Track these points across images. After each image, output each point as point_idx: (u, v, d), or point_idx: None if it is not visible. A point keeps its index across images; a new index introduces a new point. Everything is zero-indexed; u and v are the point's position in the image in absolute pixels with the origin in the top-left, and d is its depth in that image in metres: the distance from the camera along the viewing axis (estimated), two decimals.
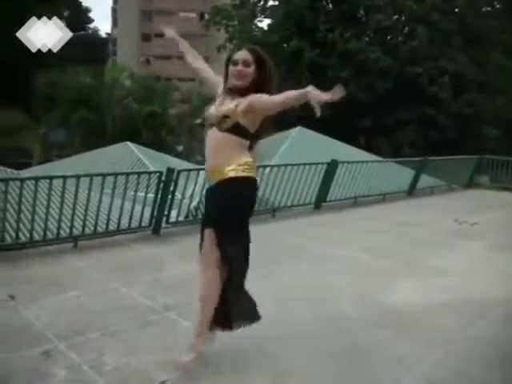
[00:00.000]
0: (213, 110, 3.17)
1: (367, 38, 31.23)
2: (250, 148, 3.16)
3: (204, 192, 3.37)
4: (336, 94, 2.60)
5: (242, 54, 3.13)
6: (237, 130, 3.05)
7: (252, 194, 3.23)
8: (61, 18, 45.22)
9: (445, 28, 28.83)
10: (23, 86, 33.64)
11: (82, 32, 52.89)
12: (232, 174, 3.04)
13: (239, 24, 35.06)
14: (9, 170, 8.56)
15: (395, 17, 31.54)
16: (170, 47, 52.74)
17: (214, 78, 3.43)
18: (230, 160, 3.05)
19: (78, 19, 49.96)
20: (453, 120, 28.86)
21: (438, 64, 28.49)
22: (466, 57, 29.02)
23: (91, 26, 55.94)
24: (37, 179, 5.81)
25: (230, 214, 3.08)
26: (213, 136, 3.13)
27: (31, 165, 24.86)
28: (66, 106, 31.21)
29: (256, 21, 37.05)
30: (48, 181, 5.87)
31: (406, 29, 31.88)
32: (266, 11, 36.78)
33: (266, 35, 33.91)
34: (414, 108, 28.77)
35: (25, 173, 10.07)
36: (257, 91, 3.05)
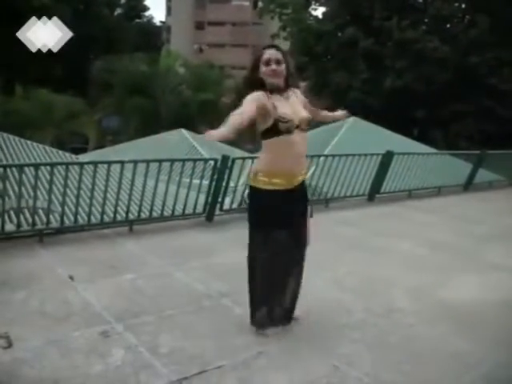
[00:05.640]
0: (291, 113, 3.16)
1: (425, 27, 30.44)
2: None
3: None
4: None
5: (274, 53, 3.17)
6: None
7: None
8: (118, 5, 46.05)
9: (507, 17, 27.73)
10: (81, 71, 34.46)
11: (138, 20, 53.63)
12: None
13: (293, 12, 34.76)
14: (67, 154, 8.80)
15: (455, 4, 30.58)
16: (223, 35, 53.00)
17: (257, 105, 3.07)
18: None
19: (133, 7, 50.70)
20: None
21: (498, 54, 27.48)
22: None
23: (146, 14, 56.53)
24: (95, 164, 5.92)
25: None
26: (302, 139, 3.24)
27: (86, 150, 25.52)
28: (121, 92, 31.78)
29: (310, 9, 36.71)
30: (106, 166, 5.99)
31: (467, 17, 30.86)
32: None
33: (320, 23, 33.55)
34: (471, 100, 27.89)
35: (83, 158, 10.33)
36: (287, 87, 3.26)
